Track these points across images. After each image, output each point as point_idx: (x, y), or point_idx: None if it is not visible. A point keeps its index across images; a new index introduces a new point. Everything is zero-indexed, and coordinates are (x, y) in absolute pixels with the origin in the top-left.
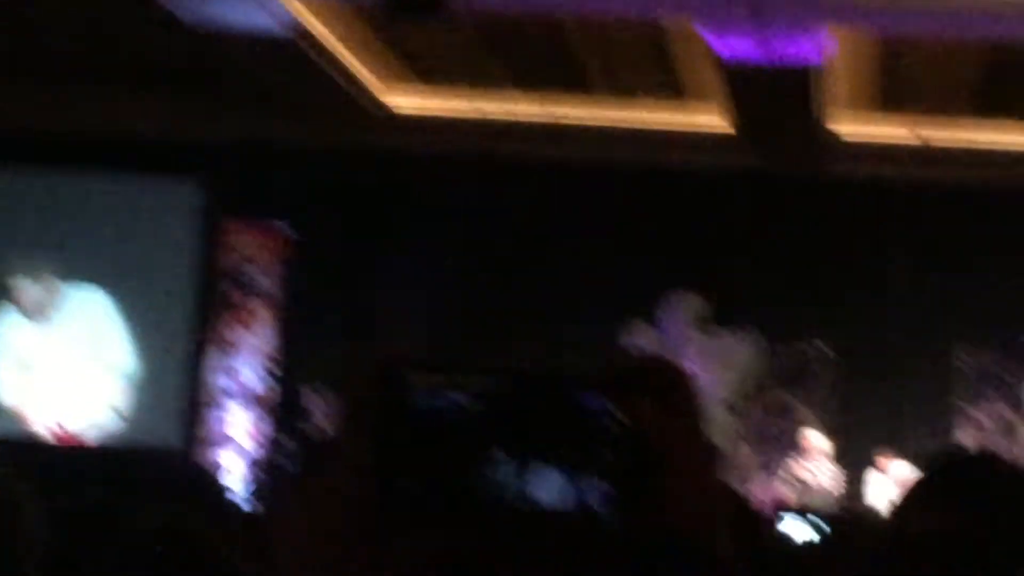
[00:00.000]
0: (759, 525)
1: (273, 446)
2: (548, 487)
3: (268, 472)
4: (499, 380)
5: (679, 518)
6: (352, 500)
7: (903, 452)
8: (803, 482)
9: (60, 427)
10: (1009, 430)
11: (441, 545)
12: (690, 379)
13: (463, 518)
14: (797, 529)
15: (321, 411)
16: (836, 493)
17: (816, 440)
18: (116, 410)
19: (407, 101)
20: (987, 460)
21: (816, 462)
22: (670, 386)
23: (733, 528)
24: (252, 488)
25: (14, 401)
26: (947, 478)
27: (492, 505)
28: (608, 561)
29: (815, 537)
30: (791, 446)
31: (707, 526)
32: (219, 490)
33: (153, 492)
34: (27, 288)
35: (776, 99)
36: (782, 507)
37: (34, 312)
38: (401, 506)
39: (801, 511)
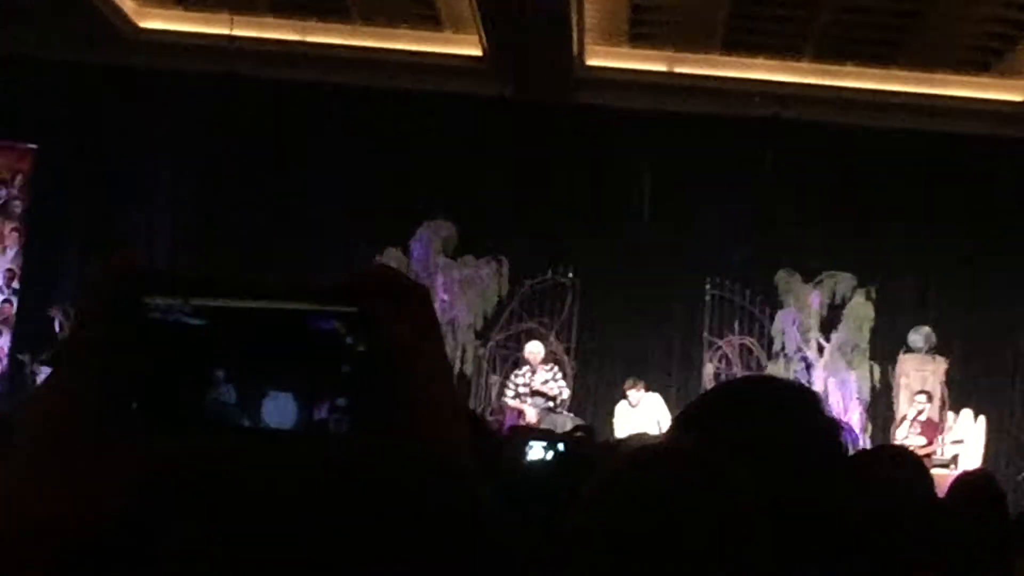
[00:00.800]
0: (496, 444)
1: (18, 366)
2: (278, 408)
3: (13, 393)
4: (232, 296)
5: (417, 434)
6: (78, 408)
7: (651, 382)
8: (537, 395)
9: None
10: (754, 361)
11: (160, 457)
12: (424, 290)
13: (185, 433)
14: (535, 450)
15: (66, 331)
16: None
17: (534, 348)
18: None
19: (161, 24)
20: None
21: (540, 373)
22: (403, 296)
23: (471, 446)
24: None
25: None
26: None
27: (215, 423)
28: (341, 481)
29: (549, 455)
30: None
31: (446, 443)
32: None
33: None
34: None
35: (529, 29)
36: (521, 429)
37: None
38: (125, 418)
39: (539, 433)
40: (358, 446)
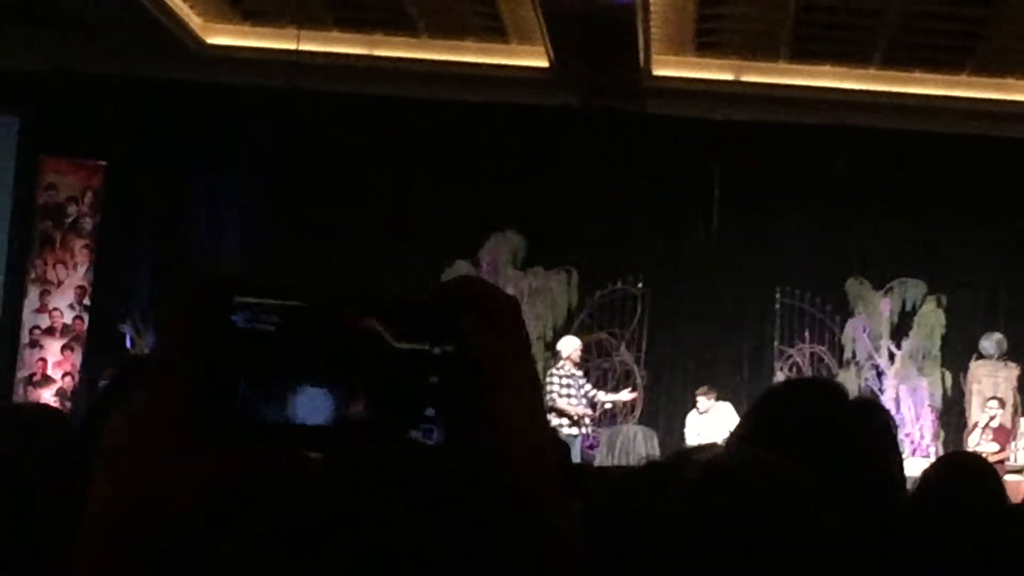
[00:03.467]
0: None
1: (91, 384)
2: (364, 406)
3: (85, 409)
4: (316, 303)
5: (508, 452)
6: (171, 414)
7: (721, 391)
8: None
9: None
10: (824, 369)
11: (252, 459)
12: (514, 301)
13: (273, 434)
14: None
15: (138, 347)
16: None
17: (564, 344)
18: None
19: (228, 40)
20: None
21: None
22: (494, 308)
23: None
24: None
25: None
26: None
27: (303, 430)
28: (434, 497)
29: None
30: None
31: (536, 465)
32: (51, 432)
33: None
34: None
35: (595, 39)
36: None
37: None
38: (216, 424)
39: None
40: (450, 461)
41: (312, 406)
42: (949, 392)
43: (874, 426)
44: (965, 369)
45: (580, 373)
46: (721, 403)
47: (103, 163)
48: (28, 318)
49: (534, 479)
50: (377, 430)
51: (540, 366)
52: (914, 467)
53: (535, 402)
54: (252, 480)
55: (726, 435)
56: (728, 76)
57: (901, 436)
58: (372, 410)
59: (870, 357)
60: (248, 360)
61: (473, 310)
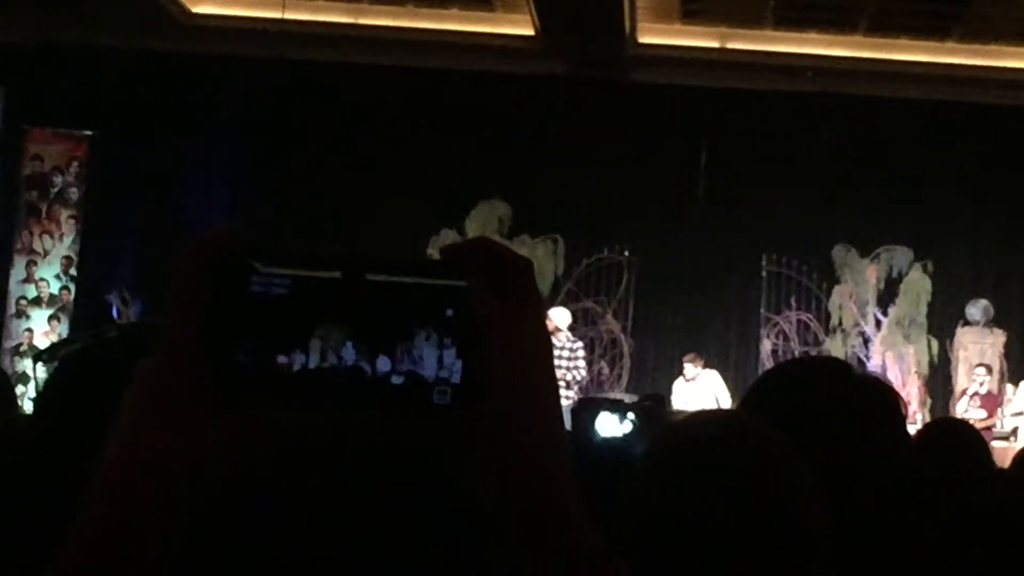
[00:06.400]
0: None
1: None
2: (383, 364)
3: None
4: (334, 268)
5: (513, 410)
6: (186, 381)
7: (708, 359)
8: (565, 366)
9: None
10: (811, 336)
11: (274, 419)
12: (526, 263)
13: (290, 403)
14: (605, 421)
15: (124, 316)
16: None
17: (558, 316)
18: None
19: (213, 9)
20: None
21: (562, 342)
22: (504, 269)
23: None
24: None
25: None
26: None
27: (324, 381)
28: (449, 459)
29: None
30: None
31: (549, 418)
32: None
33: None
34: None
35: (581, 7)
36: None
37: None
38: (233, 383)
39: (609, 404)
40: (464, 424)
41: (331, 365)
42: (936, 359)
43: (884, 408)
44: (952, 336)
45: (580, 344)
46: (708, 370)
47: (89, 134)
48: (14, 288)
49: (540, 440)
50: (398, 391)
51: None
52: None
53: (542, 364)
54: (270, 443)
55: (712, 402)
56: (714, 44)
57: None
58: (392, 367)
59: (856, 324)
60: (262, 323)
61: (483, 271)
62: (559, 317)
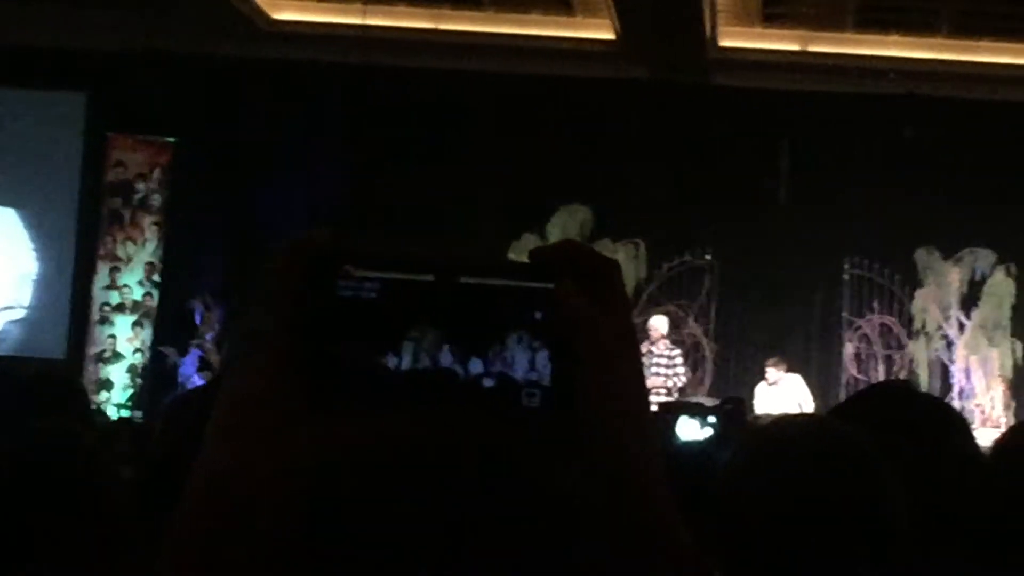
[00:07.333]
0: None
1: (160, 359)
2: (475, 366)
3: (155, 384)
4: (424, 272)
5: (602, 415)
6: (274, 387)
7: (790, 362)
8: (665, 373)
9: None
10: (893, 340)
11: (367, 425)
12: (614, 265)
13: (391, 395)
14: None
15: (207, 322)
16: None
17: (656, 323)
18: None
19: (294, 15)
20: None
21: (661, 349)
22: (593, 272)
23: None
24: (139, 400)
25: None
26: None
27: (417, 384)
28: (540, 464)
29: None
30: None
31: (639, 420)
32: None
33: (34, 404)
34: None
35: (662, 11)
36: (669, 404)
37: None
38: (328, 386)
39: (689, 407)
40: (554, 426)
41: (424, 368)
42: (1020, 362)
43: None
44: None
45: (678, 352)
46: (790, 375)
47: (171, 140)
48: (98, 295)
49: (630, 449)
50: (489, 394)
51: None
52: (985, 437)
53: (631, 365)
54: (369, 446)
55: (795, 406)
56: (795, 47)
57: (971, 407)
58: (484, 370)
59: (939, 328)
60: (356, 326)
61: (571, 273)
62: (659, 324)
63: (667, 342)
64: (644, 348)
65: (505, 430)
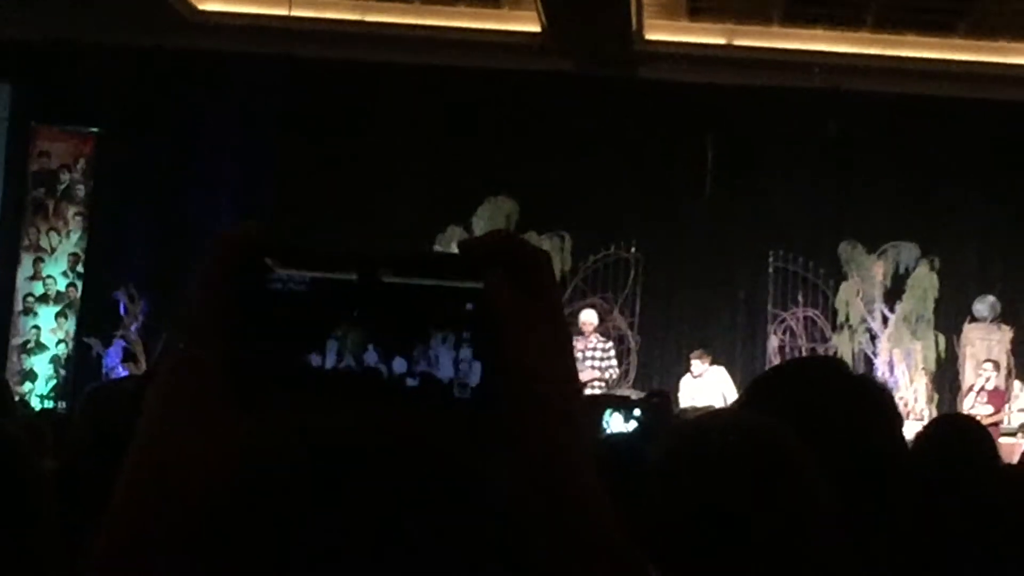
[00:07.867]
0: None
1: (84, 349)
2: (399, 365)
3: (79, 375)
4: (347, 266)
5: (532, 406)
6: (205, 379)
7: (715, 355)
8: (599, 367)
9: None
10: (818, 333)
11: (292, 420)
12: (545, 256)
13: (307, 403)
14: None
15: (131, 313)
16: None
17: (586, 317)
18: None
19: (220, 6)
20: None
21: (594, 343)
22: (522, 263)
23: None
24: (63, 391)
25: None
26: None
27: (339, 383)
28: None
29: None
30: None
31: (569, 413)
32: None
33: None
34: None
35: (587, 4)
36: (597, 397)
37: None
38: (250, 383)
39: (616, 401)
40: (481, 422)
41: (347, 367)
42: (943, 355)
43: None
44: (959, 332)
45: (611, 344)
46: (715, 367)
47: (95, 131)
48: (22, 285)
49: (561, 444)
50: (413, 392)
51: None
52: (908, 430)
53: (562, 357)
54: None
55: (719, 399)
56: (721, 40)
57: (895, 399)
58: (408, 369)
59: (863, 321)
60: (279, 323)
61: (502, 264)
62: (591, 318)
63: (599, 335)
64: (579, 342)
65: (429, 427)
